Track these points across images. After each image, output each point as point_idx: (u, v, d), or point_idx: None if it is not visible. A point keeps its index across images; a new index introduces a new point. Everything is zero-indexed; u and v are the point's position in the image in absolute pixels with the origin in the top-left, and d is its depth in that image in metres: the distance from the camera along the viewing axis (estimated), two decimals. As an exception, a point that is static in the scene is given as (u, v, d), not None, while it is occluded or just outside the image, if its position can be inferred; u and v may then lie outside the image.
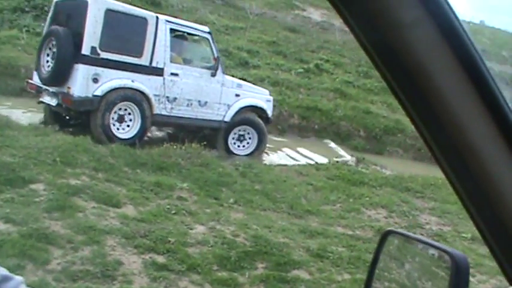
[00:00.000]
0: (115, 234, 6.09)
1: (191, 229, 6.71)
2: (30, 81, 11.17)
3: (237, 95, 11.88)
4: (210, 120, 11.60)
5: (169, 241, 6.17)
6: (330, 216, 8.37)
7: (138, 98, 10.53)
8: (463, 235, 8.27)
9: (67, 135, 9.46)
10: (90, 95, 10.04)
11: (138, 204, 7.12)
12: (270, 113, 12.36)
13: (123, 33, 10.37)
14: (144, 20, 10.56)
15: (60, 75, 10.16)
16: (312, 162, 12.20)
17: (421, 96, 1.12)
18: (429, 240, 1.57)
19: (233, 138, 12.00)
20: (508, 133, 1.12)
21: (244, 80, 13.55)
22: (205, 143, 10.57)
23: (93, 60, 9.98)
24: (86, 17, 9.91)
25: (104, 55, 10.04)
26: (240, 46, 18.89)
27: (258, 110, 12.18)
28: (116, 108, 10.33)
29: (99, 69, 10.05)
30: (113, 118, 10.33)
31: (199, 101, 11.34)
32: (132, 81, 10.45)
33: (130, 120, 10.56)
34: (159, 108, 10.84)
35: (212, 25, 19.34)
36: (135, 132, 10.53)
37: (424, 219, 8.75)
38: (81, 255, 5.52)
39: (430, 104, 1.12)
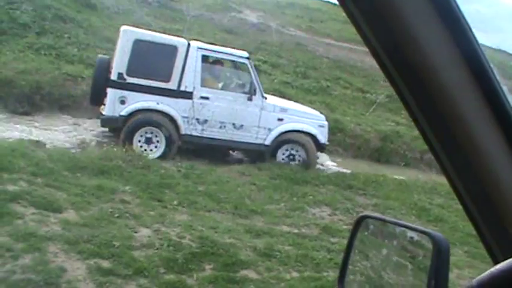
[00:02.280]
0: (57, 240, 5.88)
1: (136, 232, 6.57)
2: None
3: (280, 119, 12.06)
4: (247, 142, 11.96)
5: (114, 245, 6.02)
6: (274, 216, 8.36)
7: (162, 119, 11.26)
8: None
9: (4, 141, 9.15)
10: (117, 115, 11.01)
11: (80, 209, 6.93)
12: (322, 138, 12.27)
13: (152, 60, 11.18)
14: (173, 48, 11.32)
15: (95, 97, 11.51)
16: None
17: (427, 95, 1.13)
18: (407, 223, 1.55)
19: (283, 154, 12.13)
20: (509, 129, 1.17)
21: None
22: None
23: (120, 84, 10.97)
24: (116, 48, 11.21)
25: (131, 80, 10.97)
26: (177, 48, 18.69)
27: (306, 135, 12.17)
28: (141, 129, 11.13)
29: (126, 93, 11.02)
30: (139, 138, 11.14)
31: (233, 124, 11.75)
32: (157, 103, 11.22)
33: (157, 140, 11.24)
34: (188, 129, 11.50)
35: (148, 27, 19.15)
36: (160, 152, 11.17)
37: (367, 216, 8.86)
38: (21, 264, 5.29)
39: (436, 102, 1.13)
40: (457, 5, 1.08)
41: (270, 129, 11.97)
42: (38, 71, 14.24)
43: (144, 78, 11.05)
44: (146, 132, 11.16)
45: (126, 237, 6.33)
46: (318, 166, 12.56)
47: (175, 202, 8.01)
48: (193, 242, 6.54)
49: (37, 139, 10.34)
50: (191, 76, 11.40)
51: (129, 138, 10.92)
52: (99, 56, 12.03)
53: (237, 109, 11.71)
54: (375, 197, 10.06)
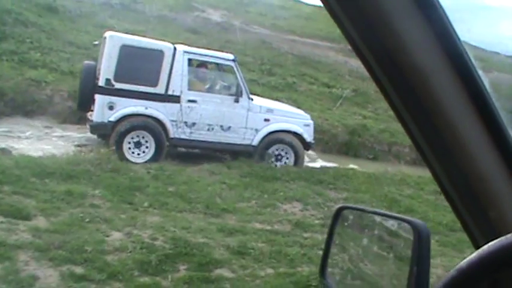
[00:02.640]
0: (27, 248, 5.79)
1: (107, 236, 6.51)
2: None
3: (266, 120, 12.18)
4: (235, 144, 12.04)
5: (86, 250, 5.95)
6: (246, 213, 8.37)
7: (151, 123, 11.36)
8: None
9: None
10: (105, 121, 11.02)
11: (50, 215, 6.83)
12: (307, 137, 12.35)
13: (139, 65, 11.18)
14: (160, 52, 11.44)
15: (83, 104, 11.54)
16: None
17: (413, 96, 1.14)
18: (386, 212, 1.56)
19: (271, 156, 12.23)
20: (490, 120, 1.18)
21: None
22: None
23: (108, 90, 10.99)
24: (103, 53, 11.17)
25: (119, 86, 11.01)
26: (141, 49, 18.56)
27: (293, 134, 12.26)
28: (130, 134, 11.16)
29: (114, 98, 11.03)
30: (129, 143, 11.16)
31: (221, 126, 11.88)
32: (146, 108, 11.28)
33: (146, 146, 11.31)
34: (177, 133, 11.58)
35: (112, 29, 18.98)
36: (150, 155, 11.23)
37: (338, 210, 8.90)
38: (-8, 273, 5.21)
39: (422, 103, 1.14)
40: (445, 13, 1.09)
41: (257, 130, 12.09)
42: (0, 77, 14.00)
43: (132, 84, 11.07)
44: (135, 137, 11.21)
45: (98, 241, 6.26)
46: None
47: (146, 204, 7.95)
48: (166, 243, 6.50)
49: (2, 146, 10.19)
50: (178, 80, 11.48)
51: (118, 143, 10.93)
52: (86, 62, 12.01)
53: (224, 111, 11.83)
54: (345, 191, 10.12)
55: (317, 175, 10.91)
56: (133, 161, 10.86)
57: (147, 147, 11.26)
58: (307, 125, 12.46)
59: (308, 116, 12.88)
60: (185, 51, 11.75)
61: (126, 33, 14.64)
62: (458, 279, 0.93)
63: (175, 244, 6.46)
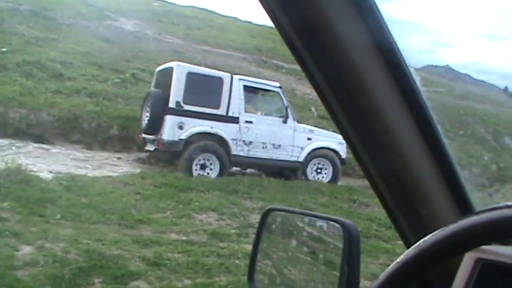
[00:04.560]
0: None
1: (17, 250, 6.25)
2: (139, 135, 13.85)
3: (309, 139, 13.95)
4: (284, 160, 13.67)
5: (-6, 266, 5.71)
6: (162, 224, 8.27)
7: (217, 141, 12.88)
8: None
9: None
10: (176, 139, 12.54)
11: (-46, 230, 6.51)
12: (343, 153, 14.04)
13: (203, 89, 12.82)
14: (220, 79, 13.10)
15: (154, 124, 12.80)
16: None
17: (347, 95, 1.16)
18: (316, 213, 1.57)
19: (311, 169, 14.05)
20: (420, 118, 1.23)
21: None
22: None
23: (178, 111, 12.55)
24: (172, 79, 12.61)
25: (187, 107, 12.57)
26: (52, 58, 18.08)
27: (331, 151, 14.05)
28: (198, 152, 12.61)
29: (183, 119, 12.60)
30: (196, 163, 12.59)
31: (273, 144, 13.52)
32: (211, 127, 12.85)
33: (210, 163, 12.72)
34: (236, 150, 13.11)
35: (21, 36, 18.31)
36: (216, 172, 12.66)
37: (254, 219, 8.92)
38: None
39: (356, 102, 1.17)
40: (379, 11, 1.12)
41: (302, 148, 13.79)
42: None
43: (198, 106, 12.65)
44: (201, 160, 12.66)
45: (7, 256, 6.01)
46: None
47: (58, 216, 7.70)
48: (79, 256, 6.32)
49: None
50: (236, 103, 13.09)
51: (189, 163, 12.43)
52: (152, 89, 13.53)
53: (275, 131, 13.53)
54: (260, 200, 10.19)
55: (232, 185, 10.94)
56: (202, 174, 12.45)
57: (211, 163, 12.69)
58: (341, 143, 13.66)
59: (340, 136, 13.54)
60: (240, 79, 13.41)
61: (37, 40, 14.27)
62: (394, 277, 0.95)
63: (89, 257, 6.30)
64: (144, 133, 13.40)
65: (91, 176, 10.77)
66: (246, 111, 13.28)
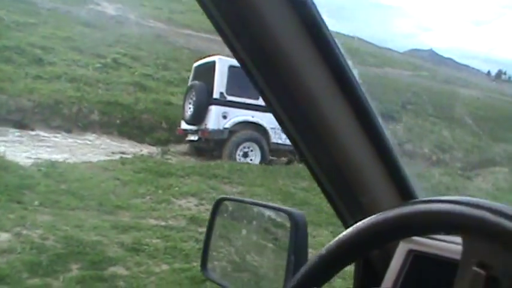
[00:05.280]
0: None
1: (-6, 237, 6.26)
2: (178, 127, 14.84)
3: None
4: None
5: (-29, 253, 5.71)
6: (141, 209, 8.29)
7: (257, 130, 13.74)
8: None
9: None
10: (221, 128, 13.47)
11: None
12: None
13: (243, 81, 12.22)
14: None
15: (199, 115, 13.67)
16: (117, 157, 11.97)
17: (286, 89, 1.18)
18: (265, 203, 1.60)
19: None
20: (358, 108, 1.25)
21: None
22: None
23: (222, 102, 13.55)
24: (215, 72, 13.54)
25: (230, 98, 13.55)
26: (33, 43, 17.90)
27: None
28: (242, 140, 13.60)
29: (227, 109, 13.58)
30: (240, 150, 13.55)
31: None
32: (252, 116, 13.63)
33: (252, 150, 13.71)
34: (275, 138, 13.80)
35: (1, 21, 18.09)
36: (258, 159, 13.62)
37: (233, 204, 8.97)
38: None
39: (294, 96, 1.19)
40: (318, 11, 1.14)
41: None
42: None
43: (240, 97, 13.37)
44: (245, 147, 13.60)
45: (-16, 243, 6.02)
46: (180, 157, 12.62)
47: (36, 203, 7.68)
48: (57, 242, 6.33)
49: None
50: None
51: (235, 149, 13.35)
52: (195, 82, 14.30)
53: None
54: (240, 185, 10.23)
55: (212, 169, 10.96)
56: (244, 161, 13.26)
57: (252, 151, 13.66)
58: None
59: None
60: None
61: (17, 25, 14.14)
62: (327, 258, 0.98)
63: (67, 243, 6.31)
64: (188, 123, 14.13)
65: (70, 162, 10.74)
66: None
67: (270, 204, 1.56)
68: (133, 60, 20.02)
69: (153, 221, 7.81)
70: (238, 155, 13.45)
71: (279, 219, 1.47)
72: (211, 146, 13.94)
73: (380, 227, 0.92)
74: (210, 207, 7.15)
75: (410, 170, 1.40)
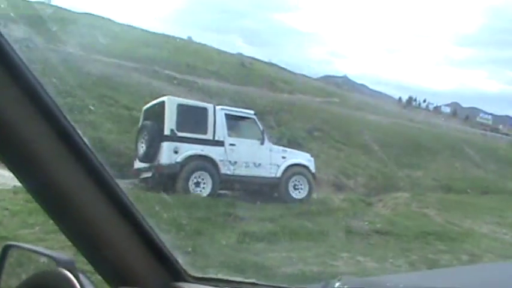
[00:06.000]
0: None
1: None
2: (133, 169, 15.02)
3: (283, 157, 16.07)
4: (264, 177, 15.58)
5: None
6: (27, 240, 8.09)
7: (207, 162, 14.56)
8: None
9: None
10: (173, 162, 14.13)
11: None
12: (312, 168, 16.51)
13: (191, 118, 14.78)
14: (205, 109, 15.28)
15: (152, 152, 14.30)
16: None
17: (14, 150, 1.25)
18: (40, 249, 1.64)
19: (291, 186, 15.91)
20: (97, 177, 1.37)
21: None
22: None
23: (173, 138, 14.28)
24: (165, 111, 14.44)
25: (180, 134, 14.33)
26: None
27: (303, 167, 16.25)
28: (193, 171, 14.20)
29: (178, 144, 14.31)
30: (192, 180, 14.11)
31: (254, 163, 15.41)
32: (202, 150, 14.57)
33: (203, 179, 14.30)
34: (224, 169, 14.74)
35: None
36: (209, 188, 14.23)
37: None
38: None
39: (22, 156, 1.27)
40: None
41: (278, 165, 15.79)
42: None
43: (189, 132, 14.42)
44: (196, 178, 14.22)
45: None
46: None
47: None
48: None
49: None
50: (220, 129, 15.05)
51: (186, 181, 13.95)
52: (146, 122, 15.05)
53: (255, 152, 15.53)
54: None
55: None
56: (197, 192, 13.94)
57: (204, 181, 14.23)
58: (310, 160, 16.62)
59: (308, 155, 17.17)
60: (222, 108, 15.56)
61: None
62: None
63: None
64: (142, 161, 14.71)
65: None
66: (229, 136, 15.27)
67: (44, 250, 1.60)
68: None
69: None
70: (191, 186, 14.06)
71: (50, 265, 1.50)
72: (165, 180, 14.17)
73: None
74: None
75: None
